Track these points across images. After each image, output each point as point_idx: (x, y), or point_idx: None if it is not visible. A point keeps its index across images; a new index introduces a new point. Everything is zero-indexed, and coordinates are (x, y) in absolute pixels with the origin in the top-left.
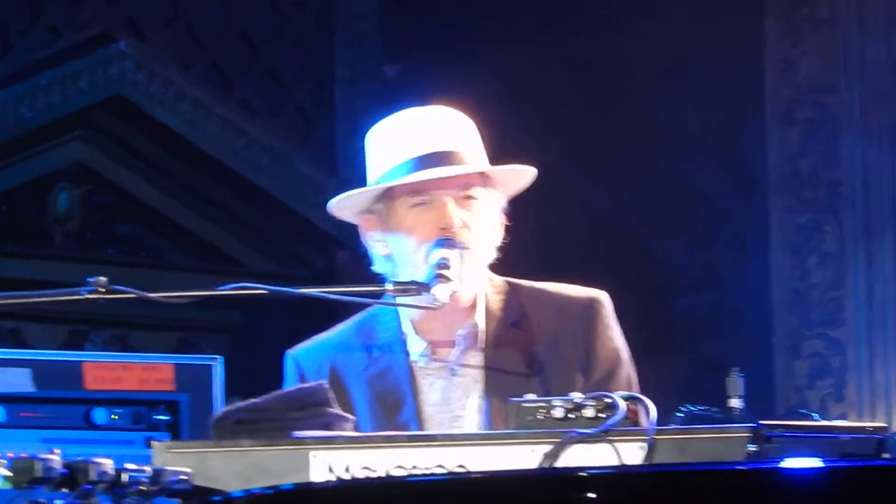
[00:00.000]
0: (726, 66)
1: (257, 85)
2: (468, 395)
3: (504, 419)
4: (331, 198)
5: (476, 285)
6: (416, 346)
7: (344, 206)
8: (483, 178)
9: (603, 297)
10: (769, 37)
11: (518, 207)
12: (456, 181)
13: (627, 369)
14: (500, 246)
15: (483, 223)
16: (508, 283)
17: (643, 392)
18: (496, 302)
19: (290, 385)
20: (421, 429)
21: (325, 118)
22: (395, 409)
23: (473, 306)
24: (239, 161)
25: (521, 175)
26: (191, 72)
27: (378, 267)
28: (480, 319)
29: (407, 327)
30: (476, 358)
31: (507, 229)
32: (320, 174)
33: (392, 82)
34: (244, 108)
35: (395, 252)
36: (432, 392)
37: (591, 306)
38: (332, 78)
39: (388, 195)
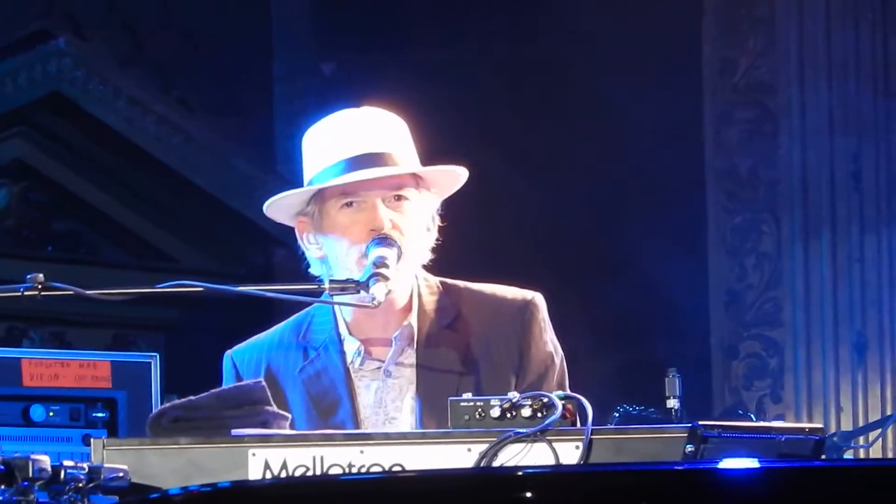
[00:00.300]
0: (665, 65)
1: (195, 83)
2: (403, 397)
3: (437, 421)
4: (268, 196)
5: (408, 285)
6: (350, 347)
7: (278, 207)
8: (415, 180)
9: (538, 298)
10: (708, 37)
11: (452, 208)
12: (386, 182)
13: (560, 371)
14: (436, 247)
15: (414, 224)
16: (443, 283)
17: (581, 392)
18: (430, 303)
19: (228, 385)
20: (357, 430)
21: (262, 116)
22: (330, 411)
23: (408, 307)
24: (176, 159)
25: (454, 176)
26: (129, 70)
27: (314, 269)
28: (414, 320)
29: (342, 327)
30: (410, 359)
31: (443, 230)
32: (258, 172)
33: (329, 80)
34: (181, 106)
35: (328, 254)
36: (367, 394)
37: (526, 308)
38: (270, 76)
39: (319, 197)
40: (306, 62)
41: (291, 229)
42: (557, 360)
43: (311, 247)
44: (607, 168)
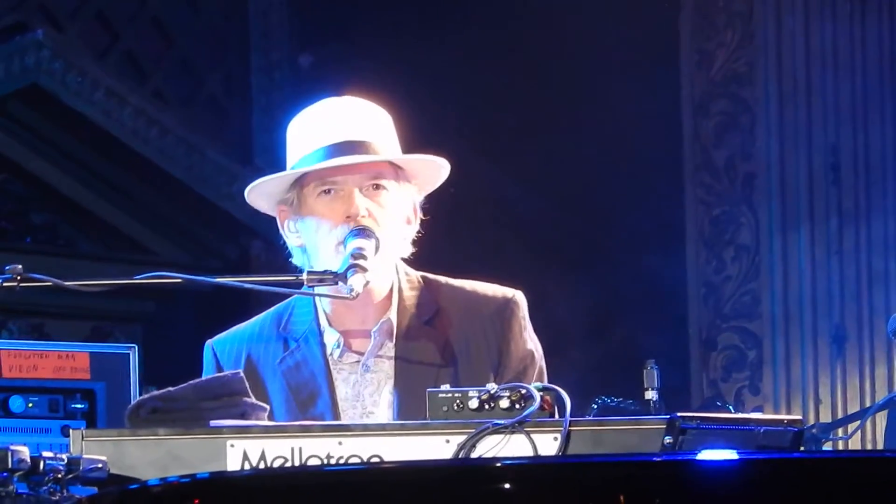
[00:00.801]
0: (642, 58)
1: (170, 75)
2: (380, 391)
3: (414, 416)
4: (245, 187)
5: (388, 279)
6: (330, 339)
7: (259, 194)
8: (395, 170)
9: (518, 297)
10: (684, 29)
11: (430, 200)
12: (365, 170)
13: (539, 370)
14: (416, 240)
15: (391, 214)
16: (424, 278)
17: (558, 384)
18: (411, 298)
19: (208, 374)
20: (335, 421)
21: (239, 108)
22: (309, 402)
23: (387, 301)
24: (153, 151)
25: (434, 168)
26: (105, 61)
27: (295, 259)
28: (394, 315)
29: (322, 319)
30: (389, 353)
31: (423, 224)
32: (235, 164)
33: (307, 73)
34: (157, 98)
35: (307, 242)
36: (345, 387)
37: (507, 306)
38: (247, 68)
39: (299, 183)
40: (283, 55)
41: (268, 221)
42: (537, 359)
43: (291, 235)
44: (584, 161)
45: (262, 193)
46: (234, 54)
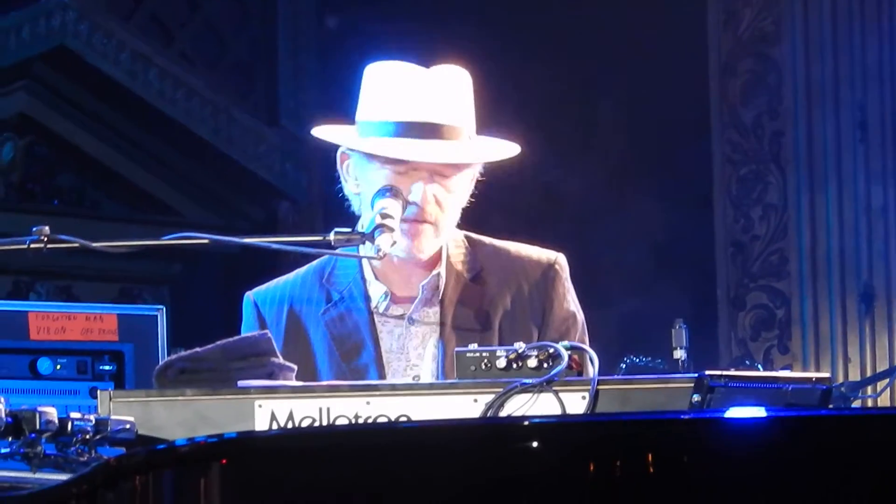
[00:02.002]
0: (668, 18)
1: (196, 37)
2: (425, 345)
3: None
4: (272, 150)
5: (439, 245)
6: (376, 291)
7: (325, 134)
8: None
9: (561, 259)
10: None
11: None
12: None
13: (581, 332)
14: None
15: (456, 198)
16: (468, 237)
17: (588, 343)
18: (457, 255)
19: (249, 326)
20: (379, 373)
21: (265, 71)
22: (353, 353)
23: (436, 259)
24: (180, 112)
25: (505, 152)
26: (131, 23)
27: (349, 198)
28: (443, 271)
29: (368, 273)
30: (434, 309)
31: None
32: (261, 126)
33: (334, 34)
34: (184, 60)
35: (364, 193)
36: (390, 339)
37: (551, 268)
38: (274, 30)
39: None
40: (310, 18)
41: (295, 182)
42: (579, 320)
43: (350, 180)
44: (611, 122)
45: (327, 136)
46: (259, 17)
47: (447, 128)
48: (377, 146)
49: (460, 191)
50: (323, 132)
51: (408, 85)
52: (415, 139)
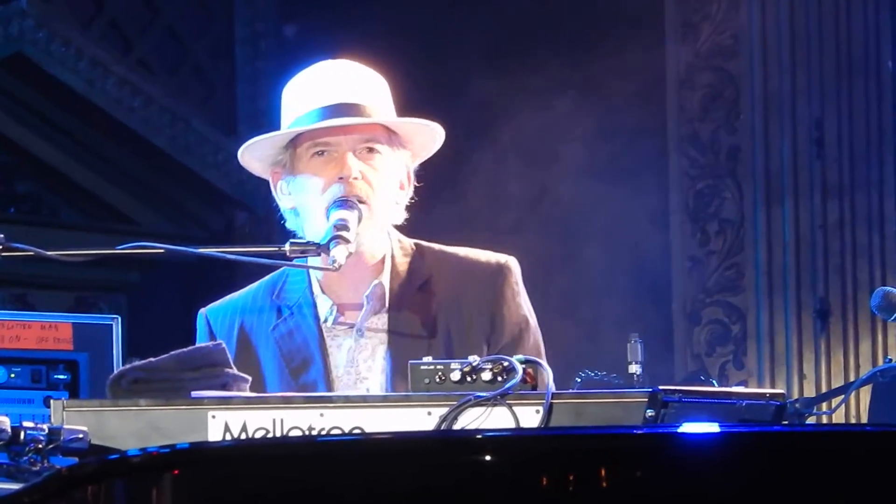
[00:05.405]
0: (627, 30)
1: (155, 44)
2: (374, 357)
3: (408, 382)
4: (230, 158)
5: (379, 243)
6: (324, 306)
7: (252, 155)
8: (389, 135)
9: (511, 262)
10: (670, 2)
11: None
12: (359, 132)
13: (534, 335)
14: (410, 207)
15: (384, 178)
16: (417, 245)
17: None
18: (403, 264)
19: (201, 343)
20: (328, 389)
21: (224, 78)
22: (301, 369)
23: (379, 267)
24: (137, 120)
25: (428, 133)
26: (90, 31)
27: (288, 223)
28: (386, 280)
29: (315, 287)
30: (382, 319)
31: (418, 190)
32: (219, 134)
33: (292, 43)
34: (142, 68)
35: (299, 203)
36: (339, 353)
37: (500, 272)
38: (232, 38)
39: (293, 144)
40: (269, 25)
41: (252, 192)
42: (532, 324)
43: (284, 197)
44: (568, 132)
45: (255, 155)
46: (219, 24)
47: (363, 106)
48: (297, 125)
49: (388, 172)
50: (247, 144)
51: (319, 78)
52: (332, 118)
